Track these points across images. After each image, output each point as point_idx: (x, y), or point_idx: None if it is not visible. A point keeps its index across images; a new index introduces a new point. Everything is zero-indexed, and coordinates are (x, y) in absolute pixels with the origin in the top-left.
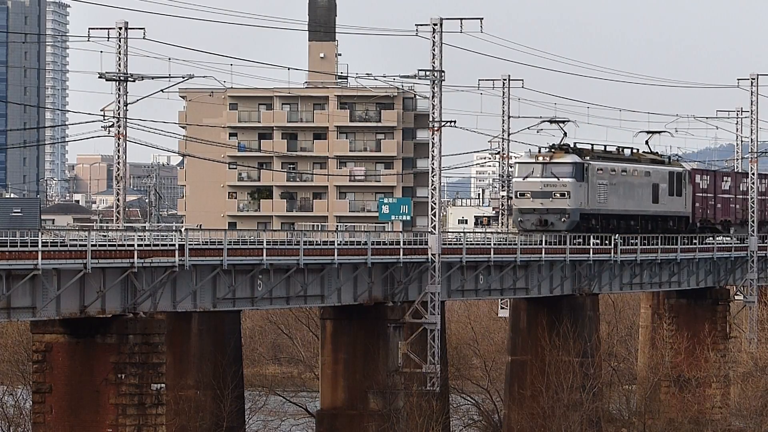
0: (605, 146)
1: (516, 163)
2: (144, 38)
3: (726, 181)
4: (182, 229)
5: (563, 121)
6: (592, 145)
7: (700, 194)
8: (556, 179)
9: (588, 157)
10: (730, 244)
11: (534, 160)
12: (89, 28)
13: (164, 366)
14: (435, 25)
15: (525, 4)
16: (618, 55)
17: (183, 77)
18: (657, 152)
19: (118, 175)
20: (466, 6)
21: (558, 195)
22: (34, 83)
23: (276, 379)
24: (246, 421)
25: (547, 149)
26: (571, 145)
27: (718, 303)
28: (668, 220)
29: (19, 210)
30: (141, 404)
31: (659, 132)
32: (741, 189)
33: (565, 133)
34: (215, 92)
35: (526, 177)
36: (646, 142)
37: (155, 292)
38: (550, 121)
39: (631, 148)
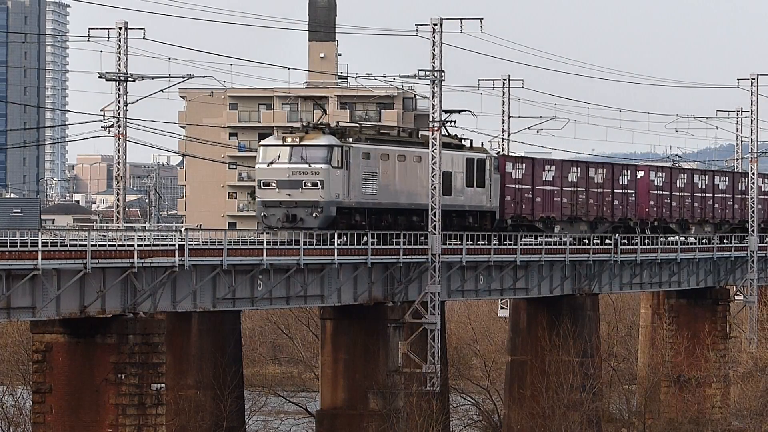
0: (379, 127)
1: (260, 146)
2: (144, 38)
3: (548, 171)
4: (182, 229)
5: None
6: (361, 124)
7: (513, 185)
8: (306, 165)
9: (351, 139)
10: (730, 244)
11: (281, 142)
12: (89, 28)
13: (164, 366)
14: (435, 25)
15: (525, 4)
16: (618, 55)
17: (183, 77)
18: (455, 135)
19: (118, 175)
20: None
21: (309, 184)
22: (34, 83)
23: (276, 379)
24: (246, 421)
25: (300, 128)
26: (331, 124)
27: (718, 303)
28: (466, 215)
29: (19, 210)
30: (141, 404)
31: (459, 111)
32: (570, 180)
33: (324, 110)
34: (215, 92)
35: (272, 163)
36: (442, 124)
37: (155, 292)
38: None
39: (417, 129)
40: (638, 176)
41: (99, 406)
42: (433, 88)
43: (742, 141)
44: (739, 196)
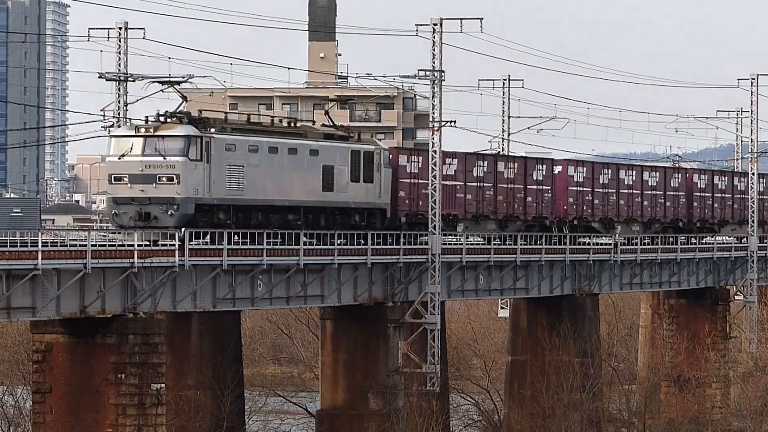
0: (249, 116)
1: (110, 136)
2: (144, 38)
3: (450, 165)
4: (182, 229)
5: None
6: (227, 113)
7: (408, 181)
8: (161, 158)
9: (214, 129)
10: (731, 243)
11: (134, 133)
12: (89, 28)
13: (164, 366)
14: (435, 25)
15: (525, 4)
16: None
17: (183, 77)
18: (341, 125)
19: None
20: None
21: (164, 179)
22: (34, 83)
23: (276, 379)
24: (246, 421)
25: (155, 118)
26: (191, 113)
27: (718, 303)
28: (351, 213)
29: (19, 210)
30: (141, 404)
31: (348, 99)
32: (475, 175)
33: (185, 98)
34: (215, 92)
35: (123, 156)
36: (326, 113)
37: (155, 292)
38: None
39: (294, 120)
40: (555, 171)
41: (99, 406)
42: (433, 88)
43: (742, 141)
44: (672, 193)
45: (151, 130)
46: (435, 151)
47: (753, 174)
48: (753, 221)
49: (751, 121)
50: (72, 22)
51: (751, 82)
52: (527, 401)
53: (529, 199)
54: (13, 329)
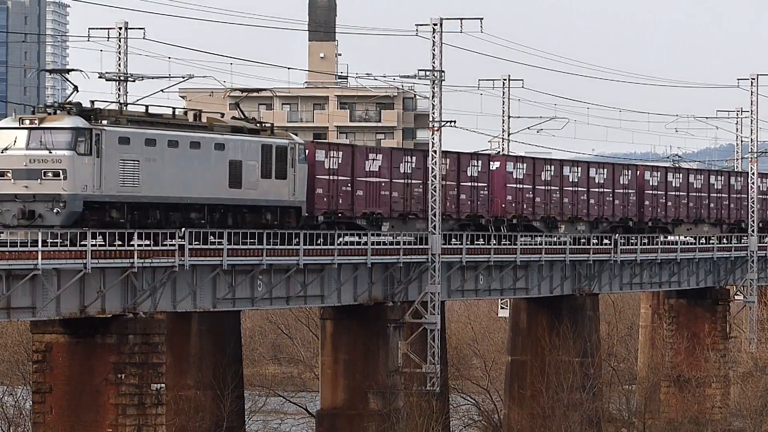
0: (147, 107)
1: None
2: (144, 38)
3: (373, 161)
4: (182, 229)
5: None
6: (123, 104)
7: (326, 177)
8: (47, 152)
9: (106, 122)
10: (731, 243)
11: (18, 125)
12: (89, 28)
13: (164, 366)
14: (435, 25)
15: (525, 4)
16: (618, 55)
17: (183, 77)
18: (253, 118)
19: None
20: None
21: (50, 174)
22: (34, 83)
23: (276, 379)
24: (246, 421)
25: (43, 108)
26: (81, 104)
27: (718, 303)
28: (262, 211)
29: None
30: (141, 404)
31: (257, 91)
32: (403, 171)
33: (76, 88)
34: (215, 92)
35: (6, 149)
36: (237, 105)
37: (155, 292)
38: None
39: (199, 111)
40: (493, 167)
41: (99, 406)
42: (433, 88)
43: (742, 141)
44: (620, 191)
45: (36, 121)
46: (435, 151)
47: (753, 174)
48: (753, 221)
49: (751, 121)
50: (72, 22)
51: (751, 82)
52: (527, 401)
53: (462, 196)
54: (13, 329)
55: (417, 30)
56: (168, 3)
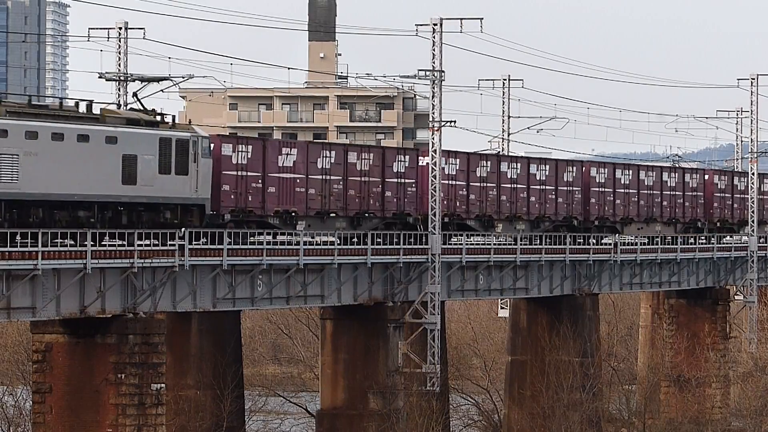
0: (30, 98)
1: None
2: (144, 38)
3: (288, 155)
4: (182, 229)
5: None
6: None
7: (234, 173)
8: None
9: None
10: (731, 243)
11: None
12: (89, 28)
13: (164, 366)
14: (435, 25)
15: (525, 4)
16: (618, 55)
17: (183, 77)
18: (152, 110)
19: None
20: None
21: None
22: (34, 83)
23: (276, 379)
24: (246, 421)
25: None
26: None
27: (718, 303)
28: (160, 209)
29: None
30: (141, 404)
31: (160, 80)
32: (321, 167)
33: None
34: (215, 92)
35: None
36: (134, 95)
37: (155, 292)
38: None
39: (91, 101)
40: (422, 163)
41: (99, 406)
42: (433, 88)
43: (742, 141)
44: (564, 188)
45: None
46: (435, 151)
47: (753, 174)
48: (753, 221)
49: (751, 121)
50: (72, 22)
51: (751, 82)
52: (527, 401)
53: (388, 193)
54: (13, 329)
55: (417, 30)
56: (168, 3)
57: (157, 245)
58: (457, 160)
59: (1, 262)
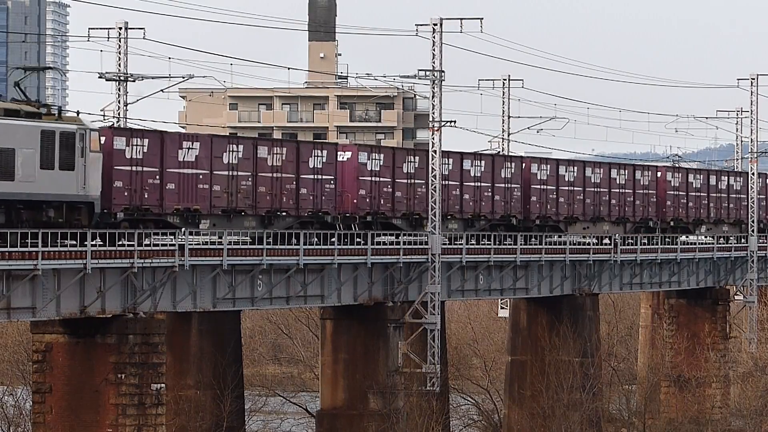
0: None
1: None
2: (144, 38)
3: (190, 149)
4: (182, 229)
5: None
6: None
7: (127, 169)
8: None
9: None
10: (731, 244)
11: None
12: (89, 28)
13: (164, 366)
14: (435, 25)
15: (525, 4)
16: (618, 55)
17: (183, 77)
18: (37, 101)
19: None
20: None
21: None
22: (34, 83)
23: (276, 379)
24: (246, 421)
25: None
26: None
27: (718, 303)
28: (42, 207)
29: None
30: (141, 404)
31: (44, 69)
32: (226, 162)
33: None
34: (215, 92)
35: None
36: (16, 84)
37: (155, 292)
38: None
39: None
40: (342, 158)
41: (99, 406)
42: (433, 88)
43: (742, 141)
44: (502, 185)
45: None
46: (435, 151)
47: (753, 174)
48: (753, 221)
49: (751, 121)
50: (72, 22)
51: (751, 82)
52: (527, 401)
53: (303, 190)
54: (13, 329)
55: (417, 30)
56: (168, 3)
57: (157, 245)
58: (381, 155)
59: (1, 262)
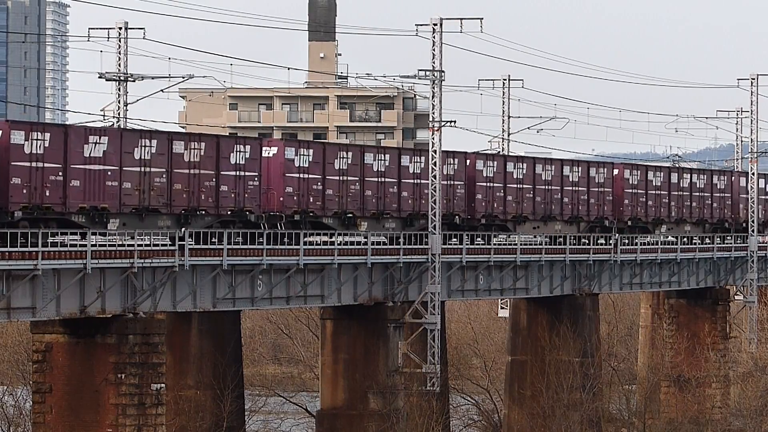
0: None
1: None
2: (144, 38)
3: (97, 144)
4: (182, 229)
5: None
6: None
7: (26, 164)
8: None
9: None
10: (731, 244)
11: None
12: (89, 28)
13: (164, 366)
14: (435, 25)
15: (525, 4)
16: (618, 55)
17: (183, 77)
18: None
19: None
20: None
21: None
22: (34, 83)
23: (276, 379)
24: (246, 421)
25: None
26: None
27: (718, 303)
28: None
29: None
30: (141, 404)
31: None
32: (138, 158)
33: None
34: (215, 92)
35: None
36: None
37: (155, 292)
38: None
39: None
40: (267, 154)
41: (99, 406)
42: (433, 88)
43: (742, 141)
44: (444, 182)
45: None
46: (435, 151)
47: (753, 174)
48: (753, 221)
49: (751, 121)
50: (72, 22)
51: (751, 82)
52: (527, 401)
53: (224, 188)
54: (13, 329)
55: (417, 30)
56: (168, 3)
57: (157, 245)
58: (310, 150)
59: (1, 262)
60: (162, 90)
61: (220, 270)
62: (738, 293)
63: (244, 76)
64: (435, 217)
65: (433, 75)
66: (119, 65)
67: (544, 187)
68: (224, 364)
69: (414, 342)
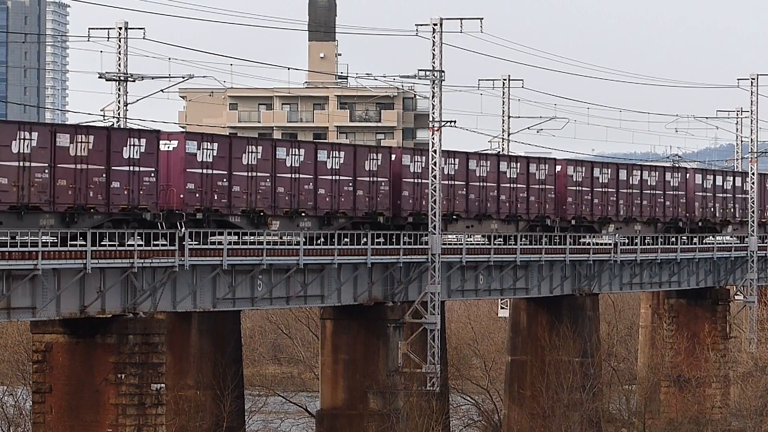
0: None
1: None
2: (144, 38)
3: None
4: (182, 229)
5: None
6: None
7: None
8: None
9: None
10: (731, 244)
11: None
12: (89, 28)
13: (164, 366)
14: (435, 25)
15: (525, 4)
16: (618, 55)
17: (183, 77)
18: None
19: None
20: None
21: None
22: (34, 83)
23: (276, 379)
24: (246, 421)
25: None
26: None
27: (718, 303)
28: None
29: None
30: (141, 404)
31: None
32: (16, 151)
33: None
34: (215, 92)
35: None
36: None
37: (155, 292)
38: None
39: None
40: (166, 148)
41: (99, 406)
42: (433, 88)
43: (742, 141)
44: (366, 179)
45: None
46: (435, 151)
47: (753, 174)
48: (753, 221)
49: (751, 121)
50: (72, 22)
51: (751, 82)
52: (527, 401)
53: (115, 184)
54: (13, 329)
55: (417, 30)
56: (168, 3)
57: (157, 245)
58: (215, 144)
59: (1, 262)
60: (162, 90)
61: (220, 270)
62: (738, 293)
63: (244, 76)
64: (435, 217)
65: (433, 75)
66: (119, 65)
67: (478, 184)
68: (224, 364)
69: (414, 342)
